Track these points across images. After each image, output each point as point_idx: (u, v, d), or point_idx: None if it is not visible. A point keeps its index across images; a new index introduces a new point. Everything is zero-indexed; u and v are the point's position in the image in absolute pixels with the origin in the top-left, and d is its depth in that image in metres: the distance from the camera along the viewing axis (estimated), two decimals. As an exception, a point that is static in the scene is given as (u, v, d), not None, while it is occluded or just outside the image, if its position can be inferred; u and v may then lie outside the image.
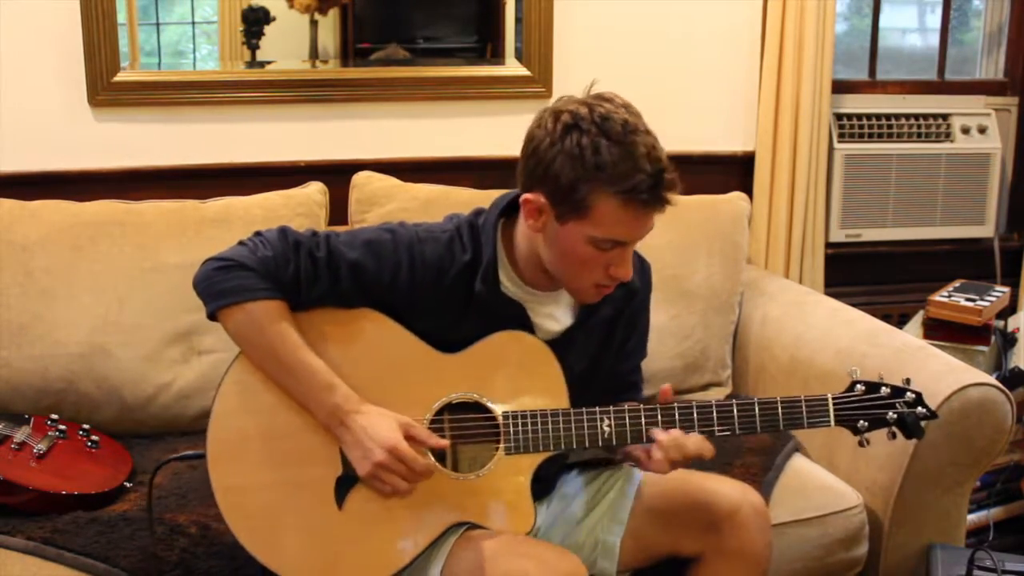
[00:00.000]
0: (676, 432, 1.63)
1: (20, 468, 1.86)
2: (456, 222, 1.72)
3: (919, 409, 1.68)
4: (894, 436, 1.69)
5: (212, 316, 1.63)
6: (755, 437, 2.17)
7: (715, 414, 1.65)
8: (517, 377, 1.67)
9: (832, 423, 1.68)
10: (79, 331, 2.17)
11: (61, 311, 2.17)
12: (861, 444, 1.70)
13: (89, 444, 2.02)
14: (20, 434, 1.94)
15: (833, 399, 1.68)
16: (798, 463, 2.14)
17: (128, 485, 1.95)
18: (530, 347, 1.68)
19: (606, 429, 1.65)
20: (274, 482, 1.62)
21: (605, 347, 1.79)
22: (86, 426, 2.07)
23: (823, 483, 2.08)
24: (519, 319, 1.69)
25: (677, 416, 1.65)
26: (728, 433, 1.66)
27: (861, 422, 1.67)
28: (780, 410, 1.67)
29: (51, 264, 2.19)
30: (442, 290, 1.66)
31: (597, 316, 1.75)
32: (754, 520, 1.69)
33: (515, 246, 1.68)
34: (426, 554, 1.64)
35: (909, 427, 1.67)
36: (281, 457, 1.63)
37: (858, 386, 1.69)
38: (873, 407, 1.68)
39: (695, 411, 1.65)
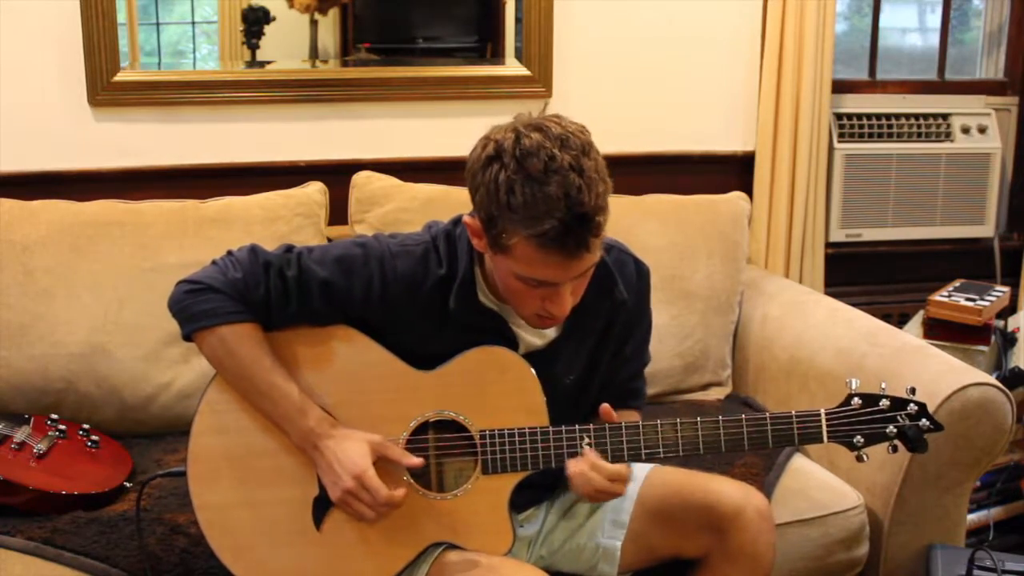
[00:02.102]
0: (592, 458, 1.57)
1: (20, 468, 1.86)
2: (434, 232, 1.66)
3: (923, 422, 1.60)
4: (895, 450, 1.63)
5: (187, 338, 1.63)
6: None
7: (700, 433, 1.60)
8: (495, 394, 1.61)
9: (824, 440, 1.61)
10: (79, 331, 2.16)
11: (61, 311, 2.17)
12: (859, 459, 1.63)
13: (89, 444, 2.01)
14: (20, 434, 1.93)
15: (826, 414, 1.61)
16: (799, 463, 2.13)
17: (128, 485, 1.95)
18: (508, 363, 1.62)
19: (586, 448, 1.59)
20: (252, 501, 1.62)
21: (597, 357, 1.73)
22: (86, 426, 2.07)
23: (824, 483, 2.08)
24: (500, 331, 1.64)
25: (660, 435, 1.60)
26: (716, 451, 1.61)
27: (857, 438, 1.60)
28: (769, 428, 1.61)
29: (51, 264, 2.18)
30: (416, 305, 1.61)
31: (585, 327, 1.68)
32: (758, 522, 1.66)
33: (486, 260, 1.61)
34: (404, 575, 1.63)
35: (912, 441, 1.59)
36: (259, 477, 1.62)
37: (855, 399, 1.61)
38: (871, 421, 1.61)
39: (679, 430, 1.60)
